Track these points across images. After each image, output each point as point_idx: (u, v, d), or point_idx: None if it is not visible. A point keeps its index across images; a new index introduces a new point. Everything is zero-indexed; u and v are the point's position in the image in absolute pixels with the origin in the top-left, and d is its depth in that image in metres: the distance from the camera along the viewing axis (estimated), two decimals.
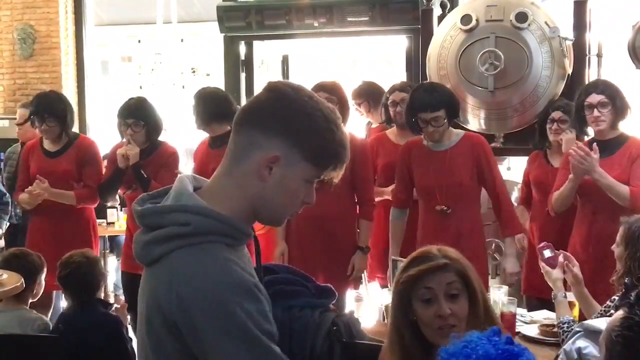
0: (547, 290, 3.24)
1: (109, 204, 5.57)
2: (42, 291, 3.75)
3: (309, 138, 1.49)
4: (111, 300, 5.54)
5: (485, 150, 3.80)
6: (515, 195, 4.67)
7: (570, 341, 2.36)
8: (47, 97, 4.44)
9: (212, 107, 4.28)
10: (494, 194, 3.80)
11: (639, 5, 4.75)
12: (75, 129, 4.63)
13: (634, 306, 1.50)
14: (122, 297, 6.02)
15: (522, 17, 4.33)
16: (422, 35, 4.89)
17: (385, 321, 3.07)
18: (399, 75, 6.01)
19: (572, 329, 2.56)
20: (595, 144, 3.57)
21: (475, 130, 4.33)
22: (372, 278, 4.30)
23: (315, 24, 5.74)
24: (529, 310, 3.58)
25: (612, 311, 2.33)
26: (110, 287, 5.97)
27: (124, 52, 9.75)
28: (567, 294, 2.95)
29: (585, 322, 2.43)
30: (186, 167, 4.97)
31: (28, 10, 7.23)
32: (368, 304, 3.76)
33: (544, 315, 3.28)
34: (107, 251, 5.85)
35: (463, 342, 1.44)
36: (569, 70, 4.41)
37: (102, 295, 4.56)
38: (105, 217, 5.66)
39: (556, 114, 3.95)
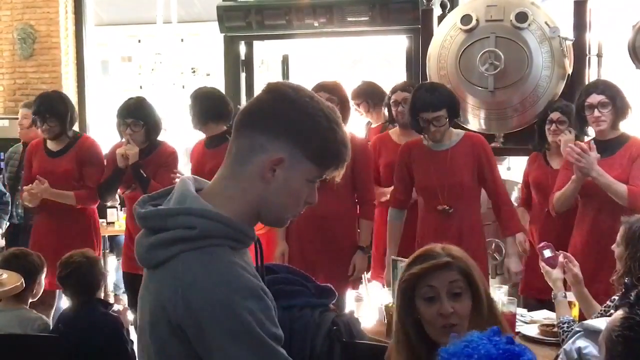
0: (545, 291, 3.24)
1: (109, 204, 5.57)
2: (42, 291, 3.76)
3: (312, 139, 1.48)
4: (111, 300, 5.54)
5: (486, 150, 3.81)
6: (515, 196, 4.67)
7: (570, 341, 2.37)
8: (49, 97, 4.45)
9: (208, 107, 4.29)
10: (493, 194, 3.81)
11: (639, 5, 4.75)
12: (75, 128, 4.63)
13: (634, 306, 1.50)
14: (122, 297, 6.04)
15: (522, 17, 4.33)
16: (422, 35, 4.89)
17: (385, 321, 3.08)
18: (399, 75, 6.01)
19: (572, 329, 2.57)
20: (592, 142, 3.58)
21: (475, 130, 4.33)
22: (376, 278, 4.29)
23: (315, 24, 5.73)
24: (529, 310, 3.58)
25: (612, 311, 2.33)
26: (110, 287, 5.97)
27: (124, 52, 9.74)
28: (567, 294, 2.95)
29: (585, 322, 2.43)
30: (186, 167, 4.96)
31: (28, 10, 7.22)
32: (368, 304, 3.76)
33: (544, 315, 3.28)
34: (107, 251, 5.84)
35: (464, 342, 1.44)
36: (569, 70, 4.41)
37: (102, 295, 4.56)
38: (105, 216, 5.66)
39: (554, 115, 3.95)
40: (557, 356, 2.52)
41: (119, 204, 5.71)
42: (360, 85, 5.39)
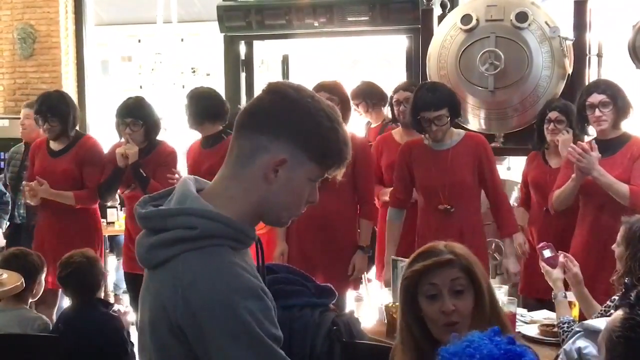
0: (545, 291, 3.24)
1: (109, 204, 5.57)
2: (42, 291, 3.76)
3: (314, 139, 1.49)
4: (111, 300, 5.54)
5: (486, 150, 3.82)
6: (515, 195, 4.67)
7: (570, 341, 2.37)
8: (51, 97, 4.46)
9: (204, 107, 4.30)
10: (492, 195, 3.82)
11: (639, 5, 4.75)
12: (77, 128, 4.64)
13: (635, 306, 1.50)
14: (122, 297, 6.05)
15: (522, 17, 4.33)
16: (422, 35, 4.88)
17: (385, 321, 3.07)
18: (399, 75, 6.01)
19: (572, 329, 2.57)
20: (593, 142, 3.57)
21: (475, 130, 4.34)
22: (380, 278, 4.29)
23: (316, 24, 5.73)
24: (528, 310, 3.58)
25: (612, 311, 2.33)
26: (110, 287, 5.97)
27: (124, 51, 9.72)
28: (567, 293, 2.95)
29: (585, 322, 2.43)
30: (186, 166, 4.97)
31: (28, 9, 7.22)
32: (368, 304, 3.76)
33: (544, 315, 3.28)
34: (107, 251, 5.84)
35: (465, 342, 1.43)
36: (569, 70, 4.41)
37: (102, 295, 4.56)
38: (105, 216, 5.66)
39: (553, 114, 3.95)
40: (557, 356, 2.52)
41: (119, 204, 5.71)
42: (359, 85, 5.40)
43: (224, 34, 5.99)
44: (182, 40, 9.15)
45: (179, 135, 6.63)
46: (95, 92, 7.60)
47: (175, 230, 1.44)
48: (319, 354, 2.03)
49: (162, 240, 1.45)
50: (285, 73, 6.23)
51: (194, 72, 9.17)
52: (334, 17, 5.66)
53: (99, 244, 4.50)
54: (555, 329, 2.88)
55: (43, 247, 4.33)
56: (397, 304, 2.93)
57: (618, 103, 3.59)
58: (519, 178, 4.56)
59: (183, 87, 8.62)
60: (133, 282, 4.32)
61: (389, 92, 5.08)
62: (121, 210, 5.72)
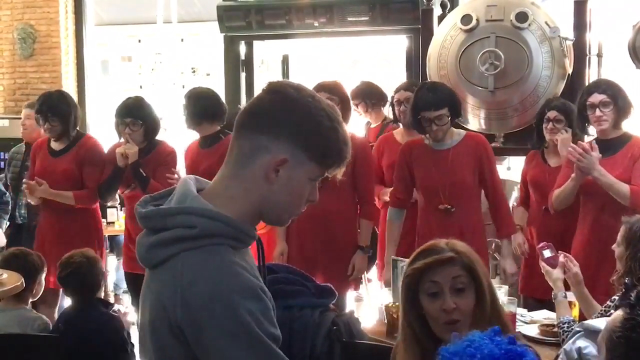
0: (545, 291, 3.24)
1: (109, 204, 5.57)
2: (42, 291, 3.76)
3: (315, 139, 1.49)
4: (111, 300, 5.54)
5: (487, 150, 3.82)
6: (515, 195, 4.67)
7: (571, 341, 2.37)
8: (51, 96, 4.46)
9: (202, 107, 4.31)
10: (491, 195, 3.83)
11: (639, 5, 4.75)
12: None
13: (635, 307, 1.49)
14: (122, 297, 6.05)
15: (522, 17, 4.33)
16: (422, 35, 4.88)
17: (385, 321, 3.07)
18: (399, 75, 6.01)
19: (572, 329, 2.57)
20: (594, 142, 3.57)
21: (475, 130, 4.34)
22: (380, 279, 4.29)
23: (316, 24, 5.73)
24: (528, 310, 3.58)
25: (612, 311, 2.33)
26: (110, 287, 5.97)
27: (124, 51, 9.72)
28: (567, 293, 2.95)
29: (585, 322, 2.43)
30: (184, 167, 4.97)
31: (28, 9, 7.22)
32: (368, 304, 3.76)
33: (544, 315, 3.28)
34: (107, 251, 5.84)
35: (466, 342, 1.43)
36: (569, 70, 4.40)
37: (103, 295, 4.56)
38: (105, 216, 5.66)
39: (551, 114, 3.94)
40: (557, 356, 2.52)
41: (119, 204, 5.71)
42: (358, 85, 5.40)
43: (224, 34, 5.99)
44: (182, 40, 9.15)
45: (179, 135, 6.63)
46: (95, 92, 7.60)
47: (175, 230, 1.45)
48: (319, 354, 2.02)
49: (161, 240, 1.45)
50: (285, 73, 6.23)
51: (194, 72, 9.17)
52: (334, 17, 5.66)
53: (100, 244, 4.50)
54: (555, 329, 2.88)
55: (44, 247, 4.34)
56: (397, 304, 2.93)
57: (619, 103, 3.59)
58: (519, 178, 4.55)
59: (183, 87, 8.62)
60: (134, 282, 4.32)
61: (389, 92, 5.08)
62: (121, 210, 5.72)
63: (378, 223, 4.34)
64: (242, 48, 6.15)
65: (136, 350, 3.37)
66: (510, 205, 4.38)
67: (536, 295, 3.87)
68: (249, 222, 1.51)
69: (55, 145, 4.47)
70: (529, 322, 3.21)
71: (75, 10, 7.32)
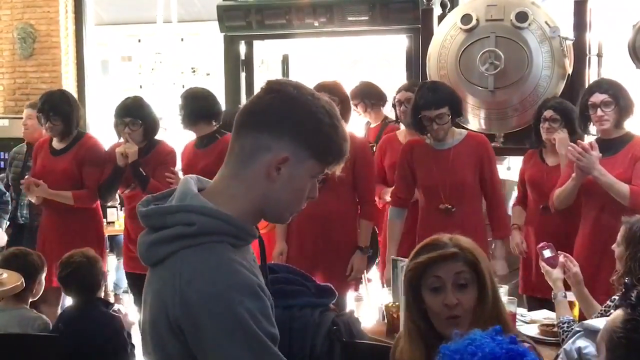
0: (545, 290, 3.24)
1: (109, 204, 5.56)
2: (42, 290, 3.75)
3: (316, 137, 1.50)
4: (111, 299, 5.54)
5: (488, 150, 3.83)
6: (515, 195, 4.67)
7: (570, 341, 2.37)
8: (53, 96, 4.47)
9: (199, 107, 4.31)
10: (490, 195, 3.84)
11: (639, 5, 4.75)
12: None
13: (637, 307, 1.49)
14: (122, 297, 6.04)
15: (522, 16, 4.33)
16: (422, 35, 4.88)
17: (385, 321, 3.07)
18: (399, 75, 6.01)
19: (572, 329, 2.57)
20: (594, 141, 3.57)
21: (475, 130, 4.34)
22: (382, 278, 4.29)
23: (316, 24, 5.73)
24: (528, 310, 3.58)
25: (612, 311, 2.33)
26: (110, 287, 5.97)
27: (124, 51, 9.71)
28: (567, 293, 2.95)
29: (585, 322, 2.43)
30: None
31: (28, 9, 7.22)
32: (368, 304, 3.76)
33: (544, 315, 3.28)
34: (107, 250, 5.84)
35: (467, 340, 1.43)
36: (569, 70, 4.41)
37: (103, 294, 4.56)
38: (105, 216, 5.65)
39: (547, 113, 3.94)
40: (557, 356, 2.52)
41: (119, 204, 5.71)
42: (357, 85, 5.41)
43: (224, 33, 6.00)
44: (182, 40, 9.15)
45: (179, 135, 6.63)
46: (95, 92, 7.59)
47: (175, 227, 1.45)
48: (319, 354, 2.02)
49: (161, 237, 1.46)
50: (285, 73, 6.23)
51: (194, 72, 9.17)
52: (334, 17, 5.66)
53: (101, 243, 4.50)
54: (555, 329, 2.88)
55: (46, 246, 4.34)
56: (397, 303, 2.93)
57: (620, 103, 3.59)
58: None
59: (183, 86, 8.61)
60: (135, 281, 4.32)
61: (388, 92, 5.08)
62: (121, 210, 5.72)
63: (378, 223, 4.34)
64: (242, 48, 6.15)
65: (136, 350, 3.38)
66: (510, 204, 4.38)
67: (537, 295, 3.87)
68: (250, 220, 1.52)
69: (56, 144, 4.48)
70: (529, 322, 3.21)
71: (75, 10, 7.32)
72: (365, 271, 4.09)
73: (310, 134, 1.49)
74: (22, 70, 7.28)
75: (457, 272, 1.91)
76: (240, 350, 1.39)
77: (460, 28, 4.46)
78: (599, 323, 2.18)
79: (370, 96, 5.29)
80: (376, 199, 4.27)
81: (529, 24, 4.33)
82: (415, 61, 5.40)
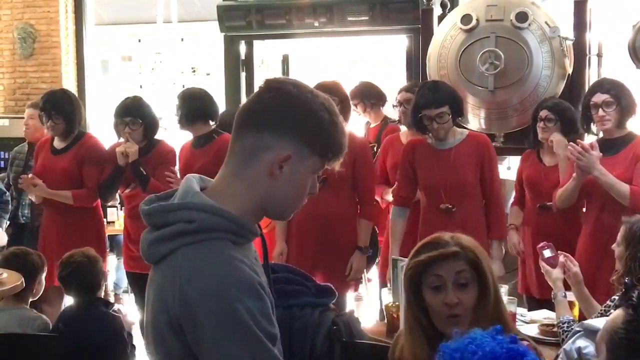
0: (545, 290, 3.24)
1: (109, 203, 5.56)
2: (42, 290, 3.75)
3: (317, 134, 1.50)
4: (111, 299, 5.54)
5: (490, 150, 3.83)
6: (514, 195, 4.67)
7: (570, 341, 2.37)
8: (55, 95, 4.48)
9: (196, 107, 4.32)
10: (489, 195, 3.84)
11: (639, 5, 4.75)
12: None
13: (638, 308, 1.49)
14: (122, 297, 6.04)
15: (522, 16, 4.33)
16: (422, 35, 4.88)
17: (385, 320, 3.07)
18: (399, 75, 6.01)
19: (572, 329, 2.57)
20: (594, 141, 3.57)
21: (475, 130, 4.33)
22: (384, 278, 4.28)
23: (316, 24, 5.74)
24: (528, 310, 3.58)
25: (612, 311, 2.33)
26: (110, 287, 5.97)
27: (124, 51, 9.71)
28: (567, 293, 2.95)
29: (585, 322, 2.43)
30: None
31: (28, 9, 7.22)
32: (368, 304, 3.76)
33: (544, 315, 3.28)
34: (107, 250, 5.84)
35: (467, 339, 1.43)
36: (569, 70, 4.41)
37: (103, 294, 4.56)
38: (105, 216, 5.65)
39: (543, 113, 3.94)
40: (557, 356, 2.52)
41: (119, 204, 5.71)
42: (357, 85, 5.41)
43: (224, 33, 6.00)
44: (182, 40, 9.15)
45: (179, 134, 6.63)
46: (95, 92, 7.59)
47: (176, 225, 1.46)
48: (319, 354, 2.02)
49: (163, 235, 1.47)
50: (285, 73, 6.24)
51: (194, 71, 9.17)
52: (334, 17, 5.66)
53: (101, 243, 4.50)
54: (555, 329, 2.88)
55: (47, 246, 4.34)
56: (397, 303, 2.93)
57: (622, 102, 3.59)
58: None
59: (183, 86, 8.61)
60: (135, 281, 4.32)
61: (388, 92, 5.08)
62: (121, 209, 5.72)
63: (378, 223, 4.34)
64: (242, 48, 6.15)
65: (137, 351, 3.38)
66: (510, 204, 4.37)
67: (537, 295, 3.87)
68: (252, 218, 1.52)
69: (57, 143, 4.48)
70: (529, 322, 3.21)
71: (75, 9, 7.32)
72: (365, 271, 4.09)
73: (312, 132, 1.50)
74: (22, 70, 7.28)
75: (458, 271, 1.91)
76: (238, 349, 1.39)
77: (460, 28, 4.46)
78: (599, 323, 2.18)
79: (370, 96, 5.29)
80: (378, 199, 4.27)
81: (529, 24, 4.33)
82: (415, 61, 5.40)
